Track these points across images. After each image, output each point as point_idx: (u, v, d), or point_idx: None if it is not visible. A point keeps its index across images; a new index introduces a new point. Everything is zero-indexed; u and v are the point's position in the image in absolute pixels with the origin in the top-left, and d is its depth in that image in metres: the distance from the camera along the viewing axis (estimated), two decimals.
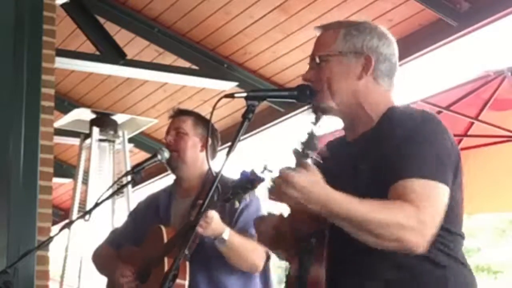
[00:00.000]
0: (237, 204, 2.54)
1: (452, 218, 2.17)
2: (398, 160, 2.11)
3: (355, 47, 2.27)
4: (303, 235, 2.17)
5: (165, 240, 3.33)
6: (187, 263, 3.27)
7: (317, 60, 2.27)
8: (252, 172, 2.43)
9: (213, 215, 3.16)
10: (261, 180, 2.42)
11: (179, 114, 3.64)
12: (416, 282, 2.13)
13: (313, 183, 2.01)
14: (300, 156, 2.06)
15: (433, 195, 2.08)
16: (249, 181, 2.48)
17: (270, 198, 2.08)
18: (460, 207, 2.22)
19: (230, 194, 2.61)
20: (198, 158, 3.54)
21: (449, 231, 2.17)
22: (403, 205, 2.03)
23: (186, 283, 3.25)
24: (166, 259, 3.27)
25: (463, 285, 2.19)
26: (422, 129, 2.17)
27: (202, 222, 3.10)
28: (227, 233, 3.23)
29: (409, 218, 2.01)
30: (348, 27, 2.31)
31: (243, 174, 2.48)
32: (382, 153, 2.14)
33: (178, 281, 3.19)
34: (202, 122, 3.59)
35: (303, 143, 2.09)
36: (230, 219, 3.36)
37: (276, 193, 2.05)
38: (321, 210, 2.03)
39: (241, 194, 2.51)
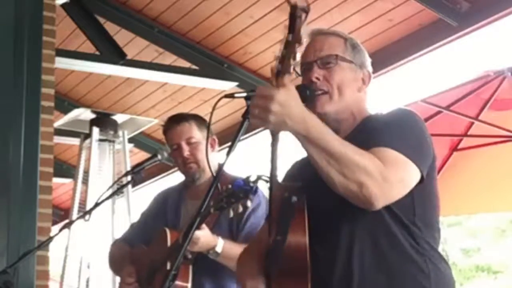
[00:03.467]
0: (231, 213, 2.54)
1: (429, 213, 2.23)
2: (377, 134, 2.17)
3: (360, 61, 2.38)
4: (285, 196, 2.16)
5: (169, 243, 3.32)
6: (190, 267, 3.26)
7: (333, 61, 2.32)
8: (246, 182, 2.44)
9: (200, 236, 3.13)
10: (254, 190, 2.43)
11: (179, 121, 3.58)
12: (398, 274, 2.15)
13: (295, 99, 2.01)
14: (283, 67, 2.02)
15: (401, 165, 2.12)
16: (242, 191, 2.49)
17: (251, 120, 2.05)
18: (436, 205, 2.28)
19: (224, 203, 2.62)
20: (211, 161, 3.51)
21: (426, 224, 2.22)
22: (374, 158, 2.07)
23: (189, 285, 3.25)
24: (168, 264, 3.26)
25: (443, 278, 2.22)
26: (405, 118, 2.27)
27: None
28: (220, 245, 3.21)
29: (376, 169, 2.05)
30: (351, 40, 2.40)
31: (236, 183, 2.49)
32: (362, 139, 2.17)
33: (180, 283, 3.20)
34: (202, 121, 3.57)
35: (285, 52, 2.03)
36: (237, 223, 3.35)
37: (258, 112, 2.01)
38: (299, 130, 2.03)
39: (234, 204, 2.52)
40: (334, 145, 2.04)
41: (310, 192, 2.16)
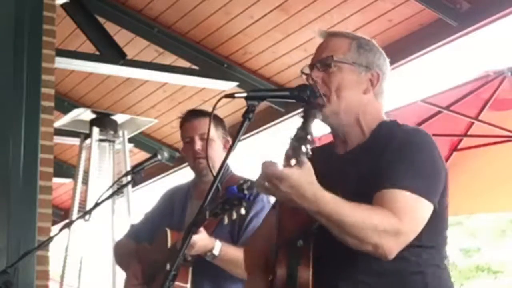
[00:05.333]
0: (226, 220, 2.55)
1: (435, 235, 2.23)
2: (386, 169, 2.14)
3: (367, 61, 2.32)
4: (290, 238, 2.17)
5: (169, 245, 3.32)
6: (190, 269, 3.27)
7: (331, 63, 2.28)
8: (239, 189, 2.44)
9: (196, 241, 3.13)
10: (248, 197, 2.44)
11: (197, 115, 3.57)
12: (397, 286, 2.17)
13: (307, 182, 2.02)
14: (296, 151, 2.04)
15: (415, 209, 2.12)
16: (236, 198, 2.49)
17: (257, 188, 2.08)
18: (444, 224, 2.29)
19: (219, 209, 2.63)
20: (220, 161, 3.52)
21: (432, 244, 2.23)
22: (386, 213, 2.07)
23: (188, 286, 3.26)
24: (168, 265, 3.27)
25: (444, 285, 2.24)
26: (415, 143, 2.21)
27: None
28: (218, 248, 3.23)
29: (390, 227, 2.06)
30: (358, 40, 2.35)
31: (230, 191, 2.49)
32: (371, 164, 2.16)
33: (180, 284, 3.21)
34: (220, 121, 3.57)
35: (297, 139, 2.05)
36: (239, 226, 3.36)
37: (267, 187, 2.03)
38: (310, 208, 2.04)
39: (229, 210, 2.52)
40: (345, 215, 2.04)
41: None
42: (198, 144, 3.48)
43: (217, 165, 3.41)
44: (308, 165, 2.02)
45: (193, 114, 3.59)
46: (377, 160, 2.16)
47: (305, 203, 2.03)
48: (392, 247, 2.07)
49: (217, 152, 3.45)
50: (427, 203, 2.14)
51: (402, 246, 2.10)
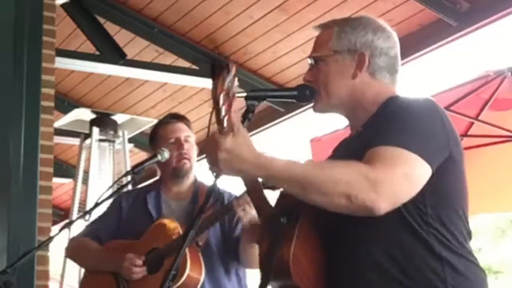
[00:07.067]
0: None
1: (446, 210, 2.12)
2: (378, 133, 2.05)
3: (349, 44, 2.23)
4: (275, 215, 2.12)
5: (180, 232, 3.41)
6: (200, 255, 3.36)
7: (312, 61, 2.26)
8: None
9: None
10: None
11: (180, 118, 3.69)
12: (410, 272, 2.05)
13: (242, 144, 1.96)
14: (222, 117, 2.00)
15: (398, 160, 1.97)
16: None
17: (210, 170, 2.02)
18: (454, 199, 2.17)
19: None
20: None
21: (443, 222, 2.10)
22: (355, 164, 1.96)
23: (201, 278, 3.33)
24: (187, 249, 3.35)
25: (463, 280, 2.13)
26: (410, 108, 2.11)
27: (245, 206, 3.15)
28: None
29: (358, 175, 1.92)
30: (342, 25, 2.28)
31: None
32: (370, 134, 2.10)
33: (194, 275, 3.29)
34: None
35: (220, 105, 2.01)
36: (229, 225, 3.51)
37: (209, 161, 1.99)
38: (259, 173, 1.98)
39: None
40: (300, 171, 1.94)
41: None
42: (185, 145, 3.58)
43: (194, 168, 3.61)
44: (242, 129, 1.98)
45: (176, 117, 3.72)
46: (376, 126, 2.10)
47: (250, 169, 1.96)
48: (372, 197, 1.91)
49: (196, 156, 3.63)
50: (422, 161, 1.98)
51: (389, 197, 1.93)
